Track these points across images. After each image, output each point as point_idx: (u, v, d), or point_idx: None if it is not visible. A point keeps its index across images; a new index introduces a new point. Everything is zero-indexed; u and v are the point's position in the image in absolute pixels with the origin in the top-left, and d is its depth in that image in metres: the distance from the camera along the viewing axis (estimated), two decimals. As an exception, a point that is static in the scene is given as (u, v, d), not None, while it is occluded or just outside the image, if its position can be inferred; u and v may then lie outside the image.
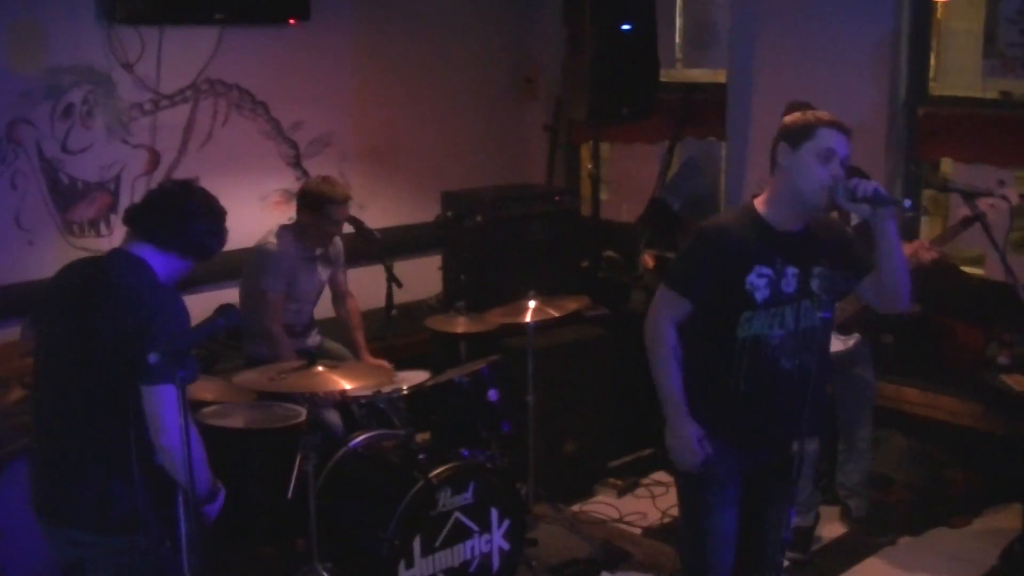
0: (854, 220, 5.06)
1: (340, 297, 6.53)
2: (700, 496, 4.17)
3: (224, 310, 3.80)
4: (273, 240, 6.10)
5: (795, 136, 3.92)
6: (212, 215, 3.98)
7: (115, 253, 3.88)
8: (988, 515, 6.41)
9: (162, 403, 3.57)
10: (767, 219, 4.00)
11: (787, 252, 3.97)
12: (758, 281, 3.93)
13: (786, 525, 4.00)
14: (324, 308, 6.54)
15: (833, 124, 3.93)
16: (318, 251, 6.23)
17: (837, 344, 5.66)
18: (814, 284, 3.78)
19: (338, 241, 6.37)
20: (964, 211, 5.30)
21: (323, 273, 6.33)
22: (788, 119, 4.01)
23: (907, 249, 5.45)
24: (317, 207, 6.03)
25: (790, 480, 3.96)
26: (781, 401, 4.00)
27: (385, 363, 6.18)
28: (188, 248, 3.90)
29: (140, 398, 3.58)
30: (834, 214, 4.57)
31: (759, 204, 4.04)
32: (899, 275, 3.97)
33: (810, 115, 3.98)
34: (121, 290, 3.72)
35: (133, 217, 3.91)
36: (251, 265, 6.13)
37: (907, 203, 3.93)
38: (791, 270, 3.97)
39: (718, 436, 4.08)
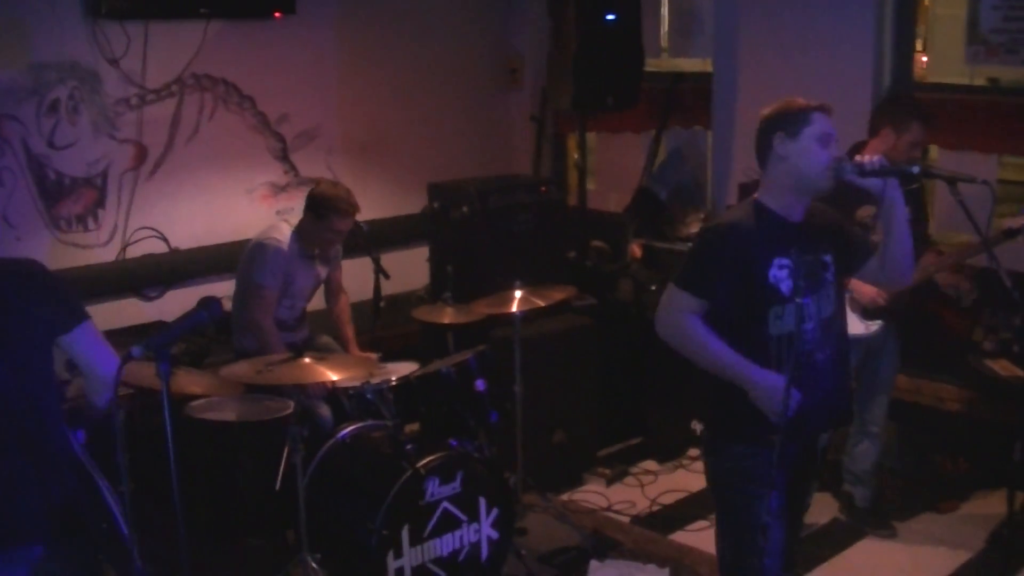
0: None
1: (333, 293, 6.54)
2: (753, 511, 3.92)
3: (207, 303, 3.80)
4: (274, 236, 6.08)
5: (792, 124, 3.91)
6: None
7: None
8: (975, 500, 6.43)
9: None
10: (775, 211, 3.97)
11: (799, 241, 3.92)
12: (780, 273, 3.88)
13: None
14: (315, 301, 6.55)
15: (823, 107, 3.94)
16: (317, 250, 6.24)
17: (859, 327, 5.60)
18: (827, 263, 3.90)
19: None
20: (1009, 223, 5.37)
21: (321, 271, 6.33)
22: (774, 109, 4.00)
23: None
24: (321, 214, 6.02)
25: (815, 472, 3.97)
26: (819, 394, 3.97)
27: (372, 355, 6.20)
28: None
29: None
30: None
31: (762, 199, 4.02)
32: (907, 246, 4.01)
33: (798, 101, 3.97)
34: None
35: None
36: (248, 259, 6.13)
37: (914, 168, 3.93)
38: (808, 259, 3.92)
39: (763, 441, 3.88)
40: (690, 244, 4.24)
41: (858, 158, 3.92)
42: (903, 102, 5.78)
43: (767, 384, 3.84)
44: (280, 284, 6.05)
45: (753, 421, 3.88)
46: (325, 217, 6.01)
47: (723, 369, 3.93)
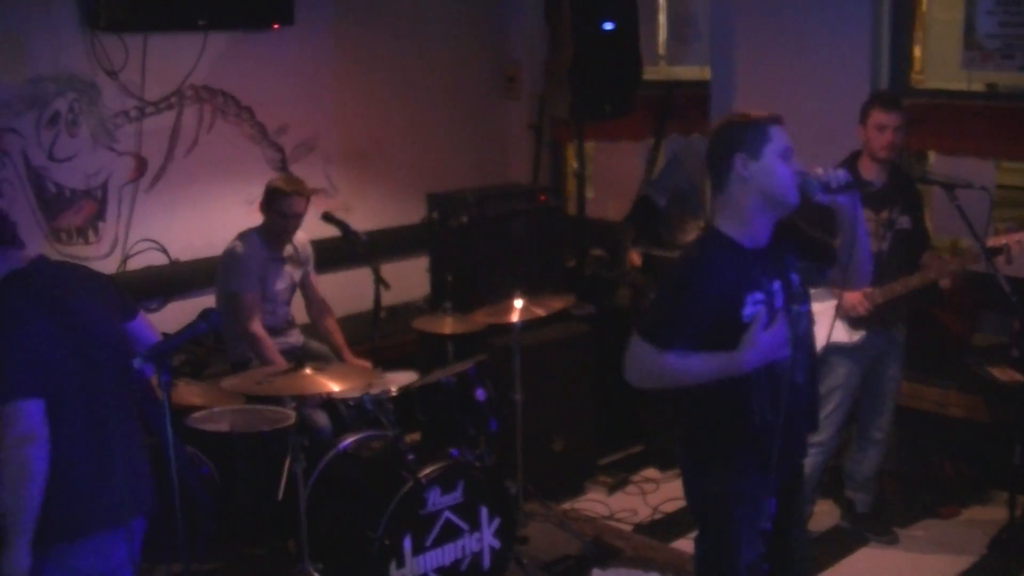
0: None
1: (313, 302, 6.58)
2: (735, 545, 3.88)
3: (206, 314, 3.83)
4: (239, 242, 6.18)
5: (752, 142, 3.70)
6: None
7: None
8: (976, 505, 6.43)
9: None
10: (739, 241, 3.77)
11: (767, 268, 3.77)
12: (754, 309, 3.69)
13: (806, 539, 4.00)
14: (300, 315, 6.60)
15: (776, 119, 3.77)
16: (286, 252, 6.29)
17: (843, 335, 5.61)
18: (795, 282, 3.78)
19: (308, 245, 6.45)
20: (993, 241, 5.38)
21: (294, 274, 6.38)
22: (727, 126, 3.81)
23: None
24: (268, 202, 6.15)
25: (802, 496, 3.94)
26: (801, 417, 3.91)
27: (367, 363, 6.21)
28: None
29: None
30: None
31: (722, 227, 3.80)
32: (864, 253, 3.94)
33: (751, 118, 3.78)
34: None
35: None
36: (221, 270, 6.21)
37: (875, 183, 3.87)
38: (776, 284, 3.77)
39: (750, 472, 3.83)
40: (658, 287, 4.08)
41: (819, 172, 3.73)
42: (871, 96, 5.82)
43: (751, 341, 3.64)
44: (256, 286, 6.12)
45: (736, 443, 3.81)
46: (273, 202, 6.13)
47: (710, 376, 3.72)
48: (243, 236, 6.21)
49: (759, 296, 3.71)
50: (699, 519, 4.14)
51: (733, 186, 3.75)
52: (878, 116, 5.55)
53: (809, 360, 3.94)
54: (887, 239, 5.58)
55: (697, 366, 3.70)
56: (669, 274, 3.96)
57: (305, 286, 6.50)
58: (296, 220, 6.21)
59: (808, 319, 3.93)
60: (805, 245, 3.97)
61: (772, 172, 3.69)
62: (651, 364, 3.73)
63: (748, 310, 3.68)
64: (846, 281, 4.07)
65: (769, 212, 3.77)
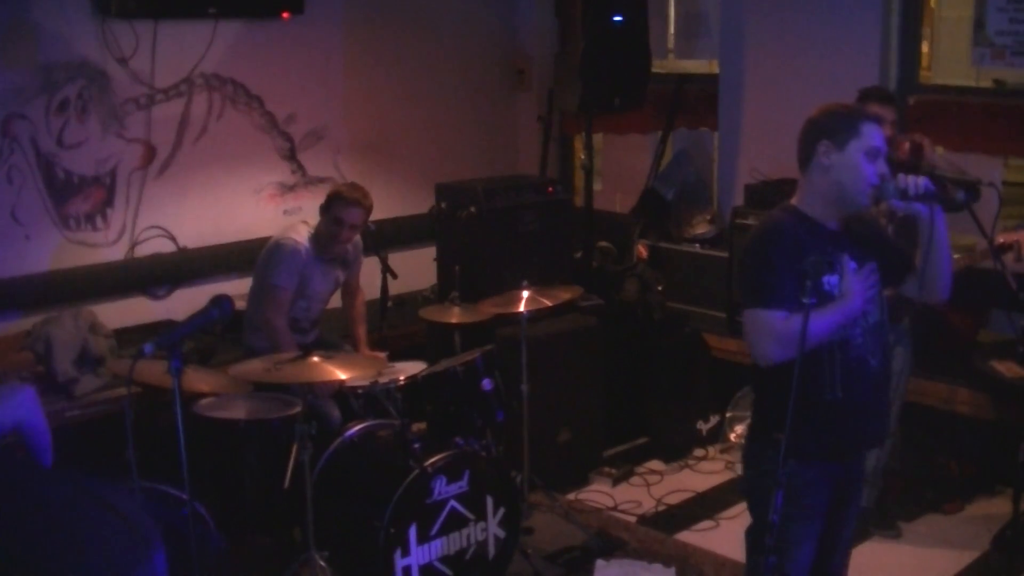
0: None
1: (350, 292, 6.54)
2: (786, 529, 3.72)
3: (218, 301, 3.84)
4: (291, 236, 6.08)
5: (839, 133, 3.74)
6: None
7: None
8: (979, 501, 6.46)
9: None
10: (814, 218, 3.82)
11: (842, 248, 3.77)
12: (831, 279, 3.71)
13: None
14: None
15: (874, 118, 3.79)
16: (333, 253, 6.21)
17: None
18: (869, 268, 3.76)
19: (359, 242, 6.36)
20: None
21: (340, 274, 6.33)
22: (822, 113, 3.84)
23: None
24: (327, 206, 6.05)
25: (859, 492, 3.94)
26: (872, 402, 3.91)
27: (381, 355, 6.22)
28: None
29: None
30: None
31: (800, 205, 3.86)
32: (945, 265, 3.89)
33: (849, 109, 3.84)
34: None
35: None
36: (265, 258, 6.13)
37: (960, 195, 3.82)
38: (852, 266, 3.75)
39: (816, 454, 3.82)
40: (744, 261, 3.95)
41: (902, 178, 3.73)
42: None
43: (851, 288, 3.69)
44: (295, 285, 6.05)
45: (812, 437, 3.76)
46: (330, 207, 6.03)
47: (834, 326, 3.71)
48: (298, 232, 6.10)
49: (833, 275, 3.72)
50: (753, 508, 4.04)
51: (813, 170, 3.81)
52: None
53: (885, 353, 3.95)
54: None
55: (816, 326, 3.61)
56: (751, 243, 3.90)
57: (347, 282, 6.45)
58: (351, 231, 6.08)
59: (883, 312, 3.93)
60: (883, 244, 3.98)
61: (851, 167, 3.74)
62: (782, 327, 3.67)
63: (826, 278, 3.70)
64: (922, 291, 3.96)
65: (839, 205, 3.81)
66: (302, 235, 6.10)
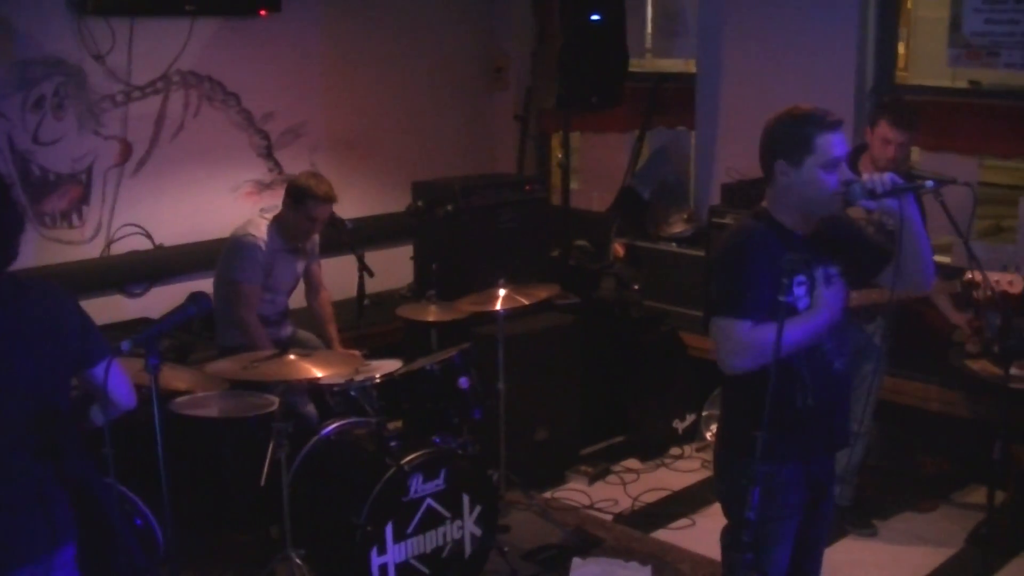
0: None
1: (313, 289, 6.54)
2: (763, 529, 3.65)
3: (196, 298, 3.82)
4: (251, 231, 6.09)
5: (794, 153, 3.69)
6: None
7: None
8: (955, 498, 6.49)
9: None
10: (787, 225, 3.78)
11: (813, 254, 3.72)
12: (799, 291, 3.67)
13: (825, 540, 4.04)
14: (297, 298, 6.57)
15: (828, 126, 3.70)
16: (297, 243, 6.24)
17: None
18: (834, 272, 3.77)
19: (316, 236, 6.38)
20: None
21: (299, 265, 6.35)
22: (777, 127, 3.77)
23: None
24: (298, 201, 6.04)
25: (830, 494, 3.95)
26: (840, 404, 3.92)
27: (356, 352, 6.21)
28: None
29: None
30: None
31: (770, 207, 3.82)
32: (925, 256, 3.83)
33: (802, 121, 3.72)
34: None
35: None
36: (226, 255, 6.14)
37: (929, 183, 3.73)
38: (820, 271, 3.75)
39: (789, 458, 3.81)
40: (714, 267, 3.92)
41: (866, 177, 3.69)
42: (880, 101, 5.81)
43: (822, 300, 3.70)
44: (259, 279, 6.06)
45: (782, 441, 3.71)
46: (302, 203, 6.02)
47: (806, 336, 3.68)
48: (256, 227, 6.11)
49: (803, 278, 3.69)
50: (729, 512, 4.02)
51: (776, 185, 3.78)
52: (886, 130, 5.54)
53: (847, 348, 3.95)
54: (870, 230, 5.59)
55: (793, 328, 3.58)
56: (723, 250, 3.89)
57: (308, 274, 6.46)
58: (322, 225, 6.16)
59: (847, 315, 3.93)
60: (854, 244, 3.95)
61: (810, 182, 3.70)
62: (748, 337, 3.65)
63: (794, 290, 3.63)
64: (900, 284, 3.86)
65: (808, 213, 3.79)
66: (260, 229, 6.10)
